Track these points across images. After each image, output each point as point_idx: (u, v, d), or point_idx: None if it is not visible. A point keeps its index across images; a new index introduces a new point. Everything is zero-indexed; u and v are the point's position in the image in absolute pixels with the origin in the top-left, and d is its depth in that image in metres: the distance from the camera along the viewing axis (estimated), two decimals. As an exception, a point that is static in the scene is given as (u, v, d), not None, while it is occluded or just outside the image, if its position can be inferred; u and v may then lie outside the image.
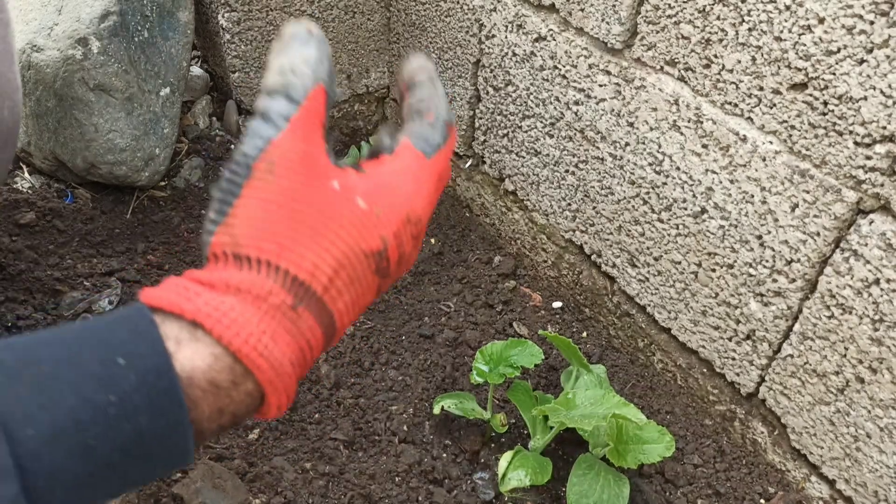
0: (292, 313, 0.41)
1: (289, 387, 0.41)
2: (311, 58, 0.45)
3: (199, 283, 0.41)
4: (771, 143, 0.86)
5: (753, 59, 0.84)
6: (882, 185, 0.76)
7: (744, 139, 0.88)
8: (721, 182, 0.93)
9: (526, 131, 1.26)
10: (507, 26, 1.20)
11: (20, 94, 0.59)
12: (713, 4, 0.86)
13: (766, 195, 0.88)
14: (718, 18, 0.86)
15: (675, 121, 0.96)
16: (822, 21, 0.76)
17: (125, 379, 0.35)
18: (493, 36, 1.24)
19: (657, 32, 0.95)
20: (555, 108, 1.17)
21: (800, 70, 0.79)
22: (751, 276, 0.94)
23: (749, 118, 0.87)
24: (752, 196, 0.90)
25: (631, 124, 1.03)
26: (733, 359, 1.02)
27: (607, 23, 1.01)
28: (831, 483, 0.95)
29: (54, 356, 0.35)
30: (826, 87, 0.78)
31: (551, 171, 1.23)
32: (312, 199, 0.43)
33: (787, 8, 0.78)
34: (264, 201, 0.42)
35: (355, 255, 0.44)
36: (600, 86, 1.06)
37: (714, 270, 0.99)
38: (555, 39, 1.11)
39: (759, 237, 0.91)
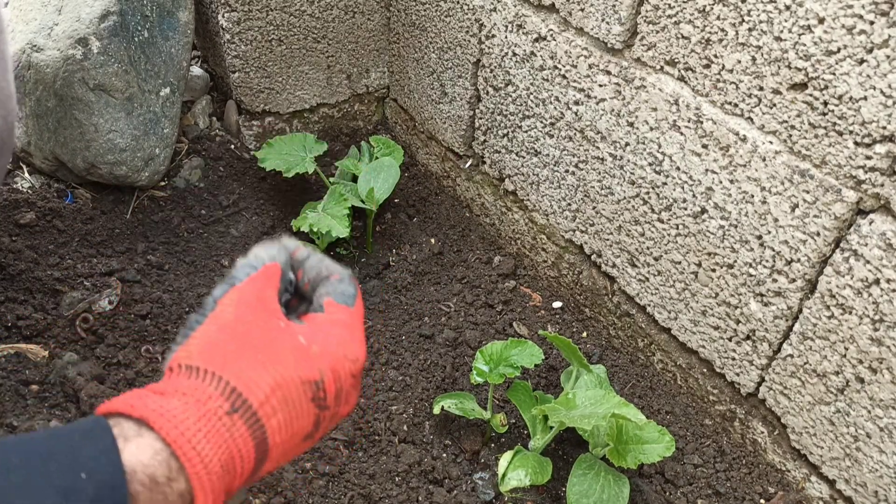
0: (227, 419, 0.47)
1: (216, 488, 0.46)
2: (271, 250, 0.59)
3: (151, 392, 0.48)
4: (771, 143, 0.86)
5: (753, 59, 0.84)
6: (882, 185, 0.76)
7: (744, 139, 0.88)
8: (721, 182, 0.93)
9: (526, 131, 1.26)
10: (507, 26, 1.20)
11: (14, 103, 0.61)
12: (713, 4, 0.86)
13: (766, 195, 0.88)
14: (718, 18, 0.86)
15: (675, 121, 0.96)
16: (822, 21, 0.76)
17: (84, 491, 0.41)
18: (493, 36, 1.24)
19: (657, 32, 0.95)
20: (555, 108, 1.17)
21: (800, 70, 0.79)
22: (751, 276, 0.94)
23: (749, 118, 0.87)
24: (752, 196, 0.90)
25: (631, 124, 1.03)
26: (733, 359, 1.02)
27: (607, 23, 1.01)
28: (831, 483, 0.95)
29: (27, 465, 0.41)
30: (826, 87, 0.78)
31: (551, 171, 1.23)
32: (260, 329, 0.52)
33: (787, 8, 0.78)
34: (220, 326, 0.52)
35: (292, 379, 0.51)
36: (600, 86, 1.06)
37: (714, 270, 0.99)
38: (555, 39, 1.11)
39: (759, 237, 0.91)
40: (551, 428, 0.98)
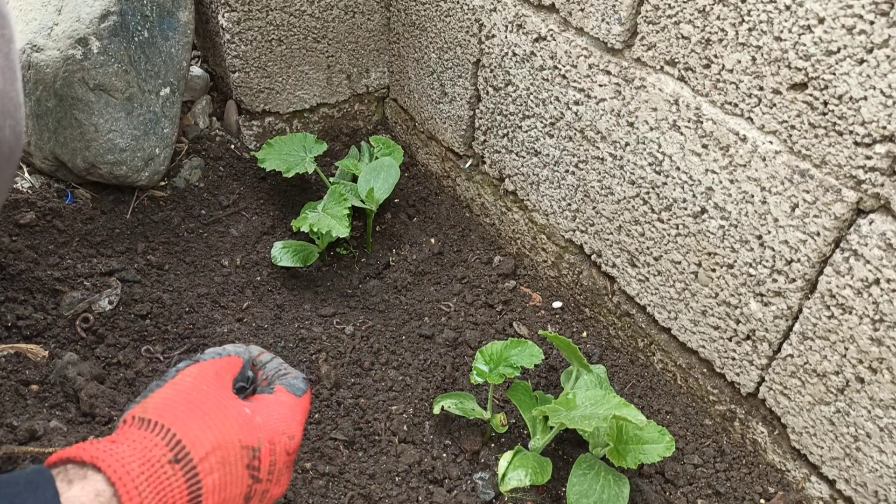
0: (168, 467, 0.50)
1: None
2: (238, 348, 0.67)
3: (105, 440, 0.51)
4: (771, 143, 0.86)
5: (753, 59, 0.84)
6: (882, 185, 0.76)
7: (744, 139, 0.88)
8: (721, 182, 0.93)
9: (526, 131, 1.26)
10: (507, 26, 1.20)
11: (22, 112, 0.61)
12: (713, 4, 0.86)
13: (766, 195, 0.88)
14: (718, 18, 0.86)
15: (675, 121, 0.96)
16: (822, 21, 0.76)
17: None
18: (493, 36, 1.24)
19: (657, 32, 0.95)
20: (555, 108, 1.17)
21: (800, 70, 0.80)
22: (751, 276, 0.94)
23: (749, 118, 0.87)
24: (752, 196, 0.90)
25: (631, 124, 1.03)
26: (733, 359, 1.02)
27: (607, 23, 1.01)
28: (831, 483, 0.95)
29: None
30: (826, 87, 0.78)
31: (551, 171, 1.23)
32: (212, 398, 0.57)
33: (787, 8, 0.78)
34: (177, 390, 0.57)
35: (232, 442, 0.55)
36: (600, 86, 1.06)
37: (714, 270, 0.99)
38: (555, 39, 1.11)
39: (759, 237, 0.91)
40: (551, 428, 0.98)
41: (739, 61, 0.86)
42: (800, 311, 0.90)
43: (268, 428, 0.59)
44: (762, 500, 1.00)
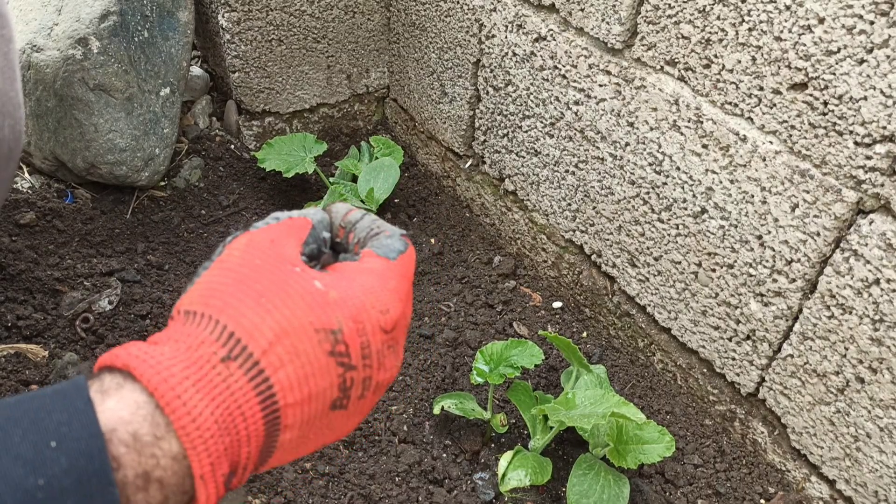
0: (222, 367, 0.40)
1: (212, 449, 0.39)
2: (308, 210, 0.52)
3: (148, 342, 0.42)
4: (771, 143, 0.86)
5: (753, 59, 0.84)
6: (882, 185, 0.76)
7: (744, 139, 0.88)
8: (721, 182, 0.93)
9: (526, 131, 1.26)
10: (507, 26, 1.20)
11: (22, 112, 0.57)
12: (713, 4, 0.86)
13: (766, 195, 0.88)
14: (718, 18, 0.86)
15: (675, 121, 0.96)
16: (822, 21, 0.76)
17: (56, 462, 0.34)
18: (493, 36, 1.24)
19: (657, 32, 0.95)
20: (555, 108, 1.17)
21: (800, 70, 0.80)
22: (751, 276, 0.94)
23: (749, 118, 0.87)
24: (752, 196, 0.90)
25: (631, 124, 1.03)
26: (733, 359, 1.02)
27: (607, 23, 1.01)
28: (831, 483, 0.95)
29: None
30: (826, 87, 0.78)
31: (551, 171, 1.23)
32: (269, 273, 0.46)
33: (787, 8, 0.78)
34: (224, 269, 0.46)
35: (301, 326, 0.44)
36: (600, 86, 1.06)
37: (714, 270, 0.99)
38: (555, 39, 1.11)
39: (759, 237, 0.91)
40: (551, 428, 0.98)
41: (739, 61, 0.86)
42: (800, 311, 0.90)
43: (348, 304, 0.46)
44: (762, 501, 1.00)
